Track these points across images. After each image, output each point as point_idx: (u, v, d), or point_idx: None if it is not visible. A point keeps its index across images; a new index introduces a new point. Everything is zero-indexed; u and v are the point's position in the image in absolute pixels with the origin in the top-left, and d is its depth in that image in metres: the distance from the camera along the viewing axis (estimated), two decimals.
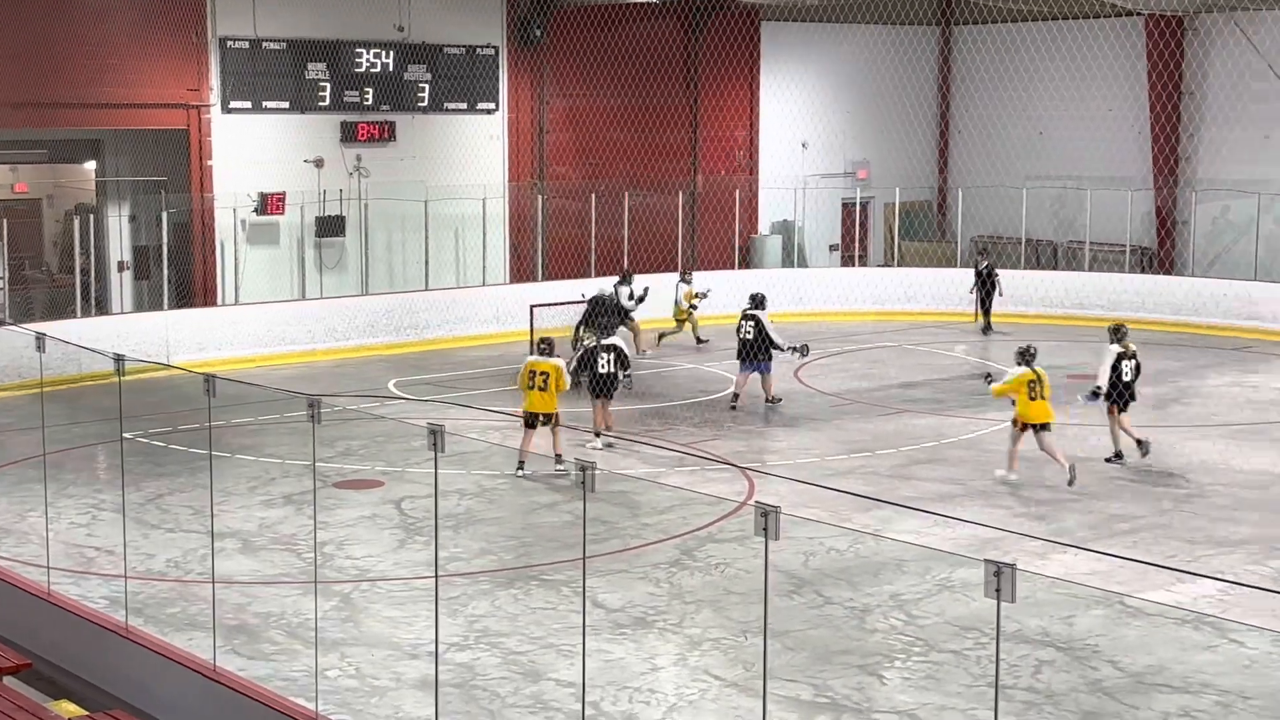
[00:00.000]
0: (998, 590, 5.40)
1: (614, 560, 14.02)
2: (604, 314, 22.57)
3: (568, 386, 17.65)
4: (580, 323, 23.26)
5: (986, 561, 5.64)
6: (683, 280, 26.54)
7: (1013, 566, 5.50)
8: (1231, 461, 17.94)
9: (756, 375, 20.93)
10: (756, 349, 20.73)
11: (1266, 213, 29.55)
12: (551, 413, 17.22)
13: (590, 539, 14.21)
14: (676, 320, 26.35)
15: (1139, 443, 17.54)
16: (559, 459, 17.20)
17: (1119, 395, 17.71)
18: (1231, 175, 30.47)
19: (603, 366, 18.76)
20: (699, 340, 26.26)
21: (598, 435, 18.68)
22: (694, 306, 26.24)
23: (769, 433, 19.88)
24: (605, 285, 24.61)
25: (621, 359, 18.94)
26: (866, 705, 10.67)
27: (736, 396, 21.08)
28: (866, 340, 27.61)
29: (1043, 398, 16.81)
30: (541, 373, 17.16)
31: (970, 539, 14.48)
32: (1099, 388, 17.78)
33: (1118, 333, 17.79)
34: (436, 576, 10.73)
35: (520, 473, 17.20)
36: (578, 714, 9.39)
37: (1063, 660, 11.55)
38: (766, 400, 20.94)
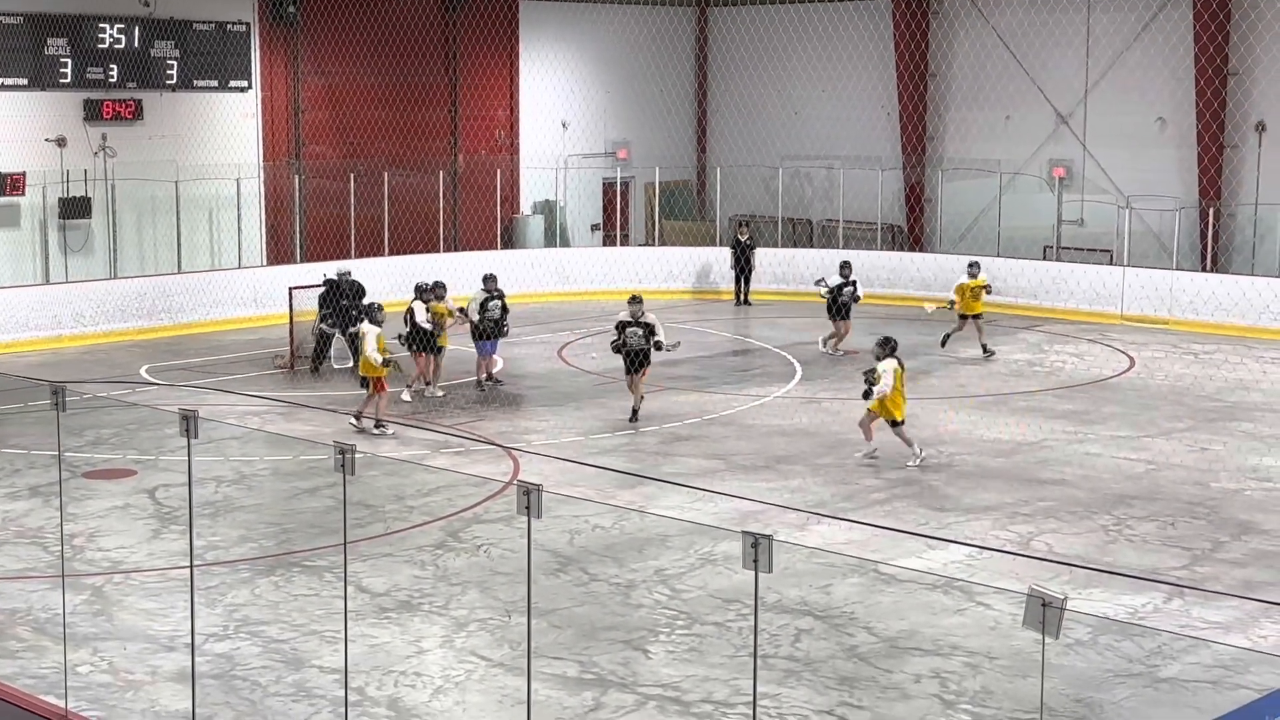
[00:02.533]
0: (755, 561, 5.51)
1: (378, 544, 13.87)
2: (342, 297, 22.17)
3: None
4: (320, 306, 22.69)
5: (744, 533, 5.75)
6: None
7: (770, 538, 5.62)
8: (977, 431, 18.64)
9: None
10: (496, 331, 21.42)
11: (1007, 191, 30.73)
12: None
13: (354, 523, 14.02)
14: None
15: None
16: (377, 424, 18.34)
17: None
18: (976, 154, 31.60)
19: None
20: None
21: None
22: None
23: (533, 412, 19.92)
24: (344, 266, 23.90)
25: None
26: (632, 680, 10.78)
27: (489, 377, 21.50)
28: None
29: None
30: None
31: (732, 513, 14.75)
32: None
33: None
34: (191, 566, 10.45)
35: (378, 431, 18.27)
36: (341, 701, 9.27)
37: (821, 628, 11.86)
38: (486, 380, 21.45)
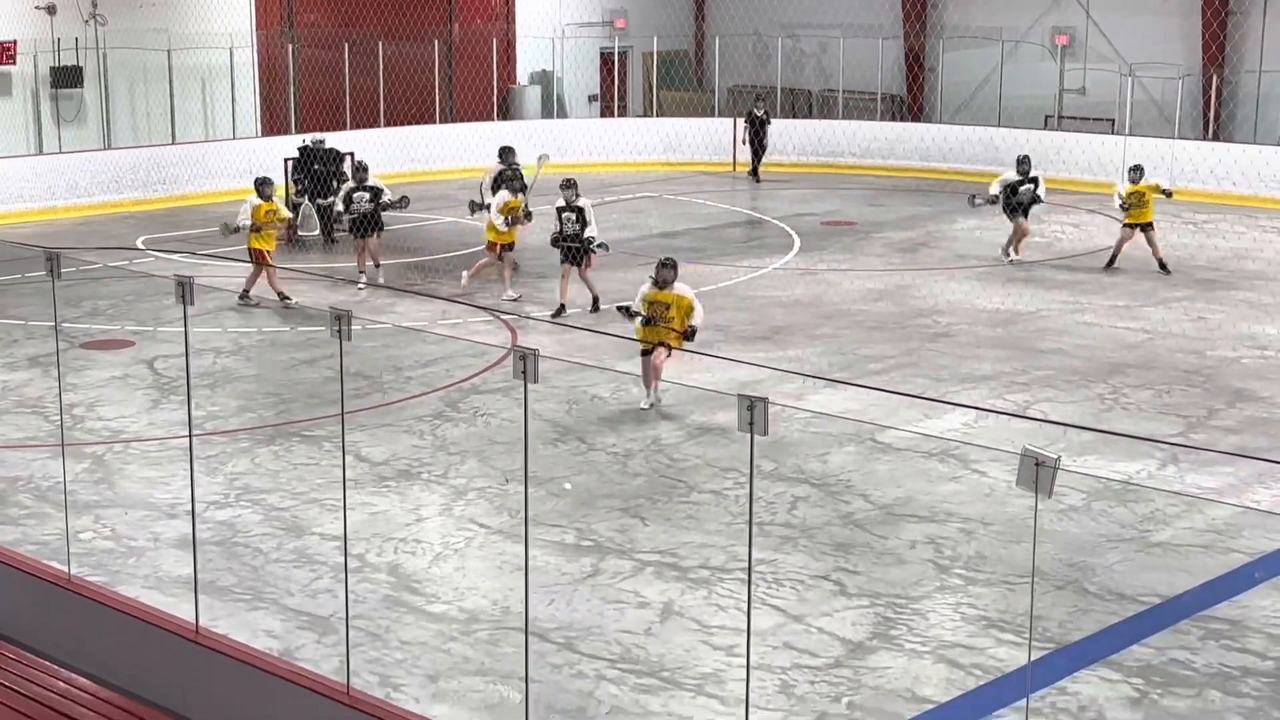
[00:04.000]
0: (750, 424, 5.52)
1: (377, 414, 13.92)
2: (316, 162, 21.92)
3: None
4: (295, 175, 22.49)
5: (740, 396, 5.76)
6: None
7: (765, 400, 5.63)
8: (975, 301, 18.63)
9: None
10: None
11: (1008, 59, 30.39)
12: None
13: (352, 394, 14.07)
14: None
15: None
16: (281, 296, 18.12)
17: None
18: (977, 22, 31.21)
19: (357, 205, 18.90)
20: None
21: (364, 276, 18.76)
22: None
23: (531, 284, 19.88)
24: (319, 135, 23.65)
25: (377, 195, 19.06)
26: (630, 547, 10.89)
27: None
28: (627, 190, 27.69)
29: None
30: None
31: (730, 381, 14.79)
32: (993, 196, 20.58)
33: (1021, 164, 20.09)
34: (190, 435, 10.49)
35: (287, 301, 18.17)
36: (342, 567, 9.36)
37: (817, 495, 11.95)
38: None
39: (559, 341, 16.47)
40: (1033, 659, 9.13)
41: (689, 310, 13.78)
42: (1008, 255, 20.82)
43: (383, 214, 19.31)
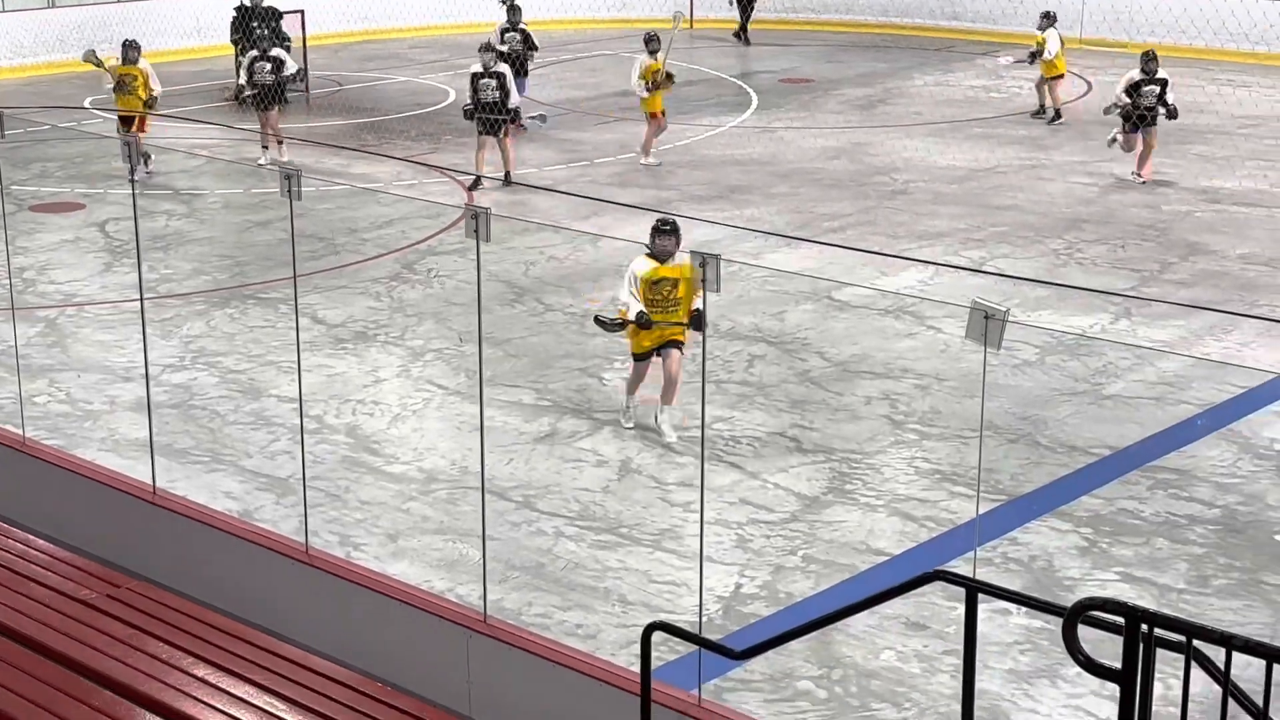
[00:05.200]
0: (703, 281, 5.51)
1: (333, 276, 13.84)
2: (255, 20, 21.38)
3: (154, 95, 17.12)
4: (233, 35, 21.91)
5: (692, 253, 5.74)
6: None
7: (717, 257, 5.62)
8: (932, 158, 18.58)
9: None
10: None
11: None
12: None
13: (308, 256, 13.97)
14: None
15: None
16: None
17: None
18: None
19: (259, 76, 18.06)
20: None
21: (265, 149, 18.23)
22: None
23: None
24: None
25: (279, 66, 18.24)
26: (587, 406, 10.93)
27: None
28: (582, 49, 27.33)
29: None
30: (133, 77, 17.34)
31: (688, 242, 14.71)
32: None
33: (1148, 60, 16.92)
34: (142, 298, 10.40)
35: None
36: (299, 429, 9.36)
37: (774, 354, 12.00)
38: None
39: (514, 202, 16.37)
40: (984, 511, 9.27)
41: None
42: (1138, 176, 17.18)
43: (286, 88, 18.78)
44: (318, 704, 5.94)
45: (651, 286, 10.16)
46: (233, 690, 6.04)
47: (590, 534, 8.99)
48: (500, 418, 10.59)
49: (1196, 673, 4.15)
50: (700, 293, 9.40)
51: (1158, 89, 16.74)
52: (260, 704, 5.94)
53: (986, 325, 5.18)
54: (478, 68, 16.89)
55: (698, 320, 9.86)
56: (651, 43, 18.16)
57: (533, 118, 17.02)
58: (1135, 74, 16.95)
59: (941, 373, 11.51)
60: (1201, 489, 9.57)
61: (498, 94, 16.70)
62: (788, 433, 10.48)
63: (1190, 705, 4.32)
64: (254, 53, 18.56)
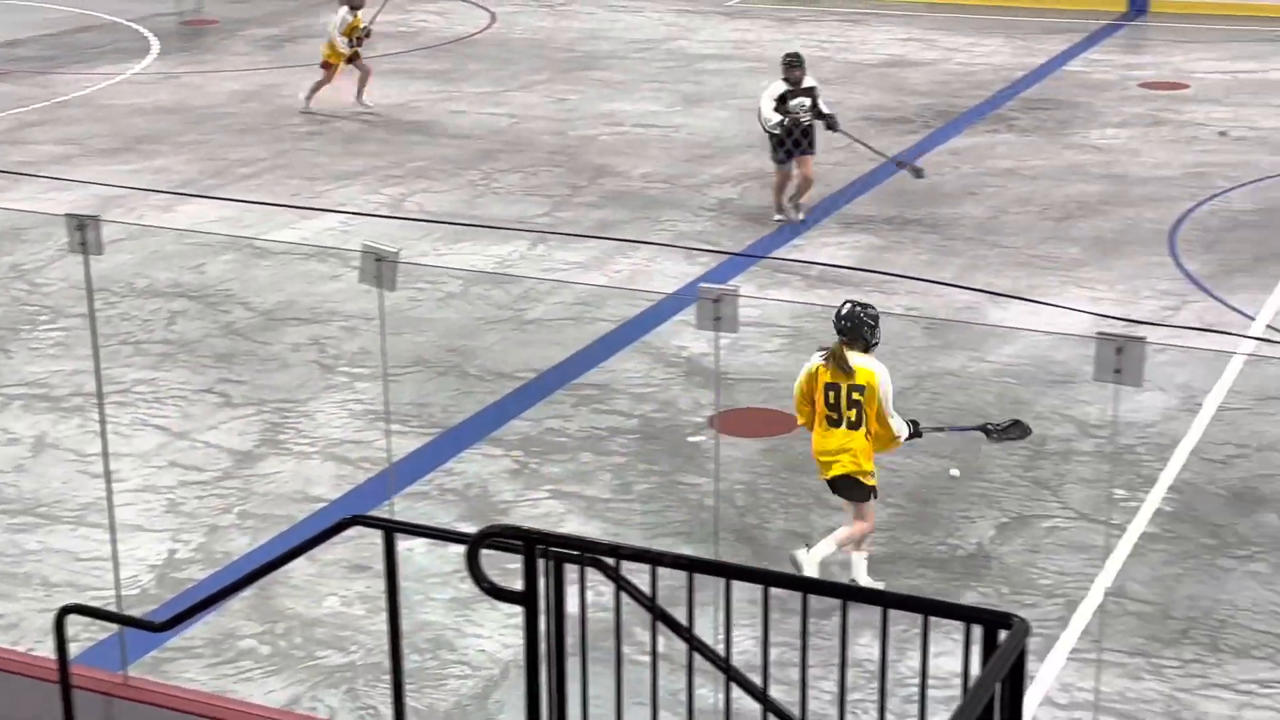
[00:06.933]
0: (83, 245, 5.22)
1: None
2: None
3: None
4: None
5: (68, 216, 5.43)
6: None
7: (95, 218, 5.34)
8: (341, 97, 18.39)
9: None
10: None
11: None
12: None
13: None
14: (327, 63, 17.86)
15: None
16: None
17: None
18: None
19: None
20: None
21: None
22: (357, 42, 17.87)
23: None
24: None
25: None
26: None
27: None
28: None
29: None
30: None
31: (91, 199, 14.02)
32: None
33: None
34: None
35: None
36: None
37: (195, 308, 11.64)
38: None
39: None
40: (418, 446, 9.38)
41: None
42: (793, 209, 13.60)
43: None
44: None
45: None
46: None
47: (5, 517, 8.44)
48: None
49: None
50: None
51: (808, 101, 13.23)
52: None
53: (379, 268, 5.18)
54: None
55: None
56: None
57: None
58: (778, 85, 13.23)
59: (368, 313, 11.51)
60: (620, 401, 10.06)
61: None
62: (215, 389, 10.21)
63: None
64: None
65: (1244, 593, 7.68)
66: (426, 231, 13.35)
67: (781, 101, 13.08)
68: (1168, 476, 8.87)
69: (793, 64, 13.19)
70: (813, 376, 7.63)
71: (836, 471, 7.60)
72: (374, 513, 7.01)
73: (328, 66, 17.67)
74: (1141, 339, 4.41)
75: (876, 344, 7.73)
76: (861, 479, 7.59)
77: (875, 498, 7.74)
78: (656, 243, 12.99)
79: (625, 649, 4.70)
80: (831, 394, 7.54)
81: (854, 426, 7.52)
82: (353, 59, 17.60)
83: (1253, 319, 11.18)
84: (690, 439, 9.49)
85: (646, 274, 12.38)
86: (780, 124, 13.08)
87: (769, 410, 9.84)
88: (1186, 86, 18.30)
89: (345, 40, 17.49)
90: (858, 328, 7.63)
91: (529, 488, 8.88)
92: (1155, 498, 8.64)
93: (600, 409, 9.93)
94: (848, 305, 7.76)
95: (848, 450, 7.54)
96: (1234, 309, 11.37)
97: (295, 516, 8.53)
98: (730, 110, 17.43)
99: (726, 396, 10.07)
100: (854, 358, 7.53)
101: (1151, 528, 8.34)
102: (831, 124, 13.29)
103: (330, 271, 12.43)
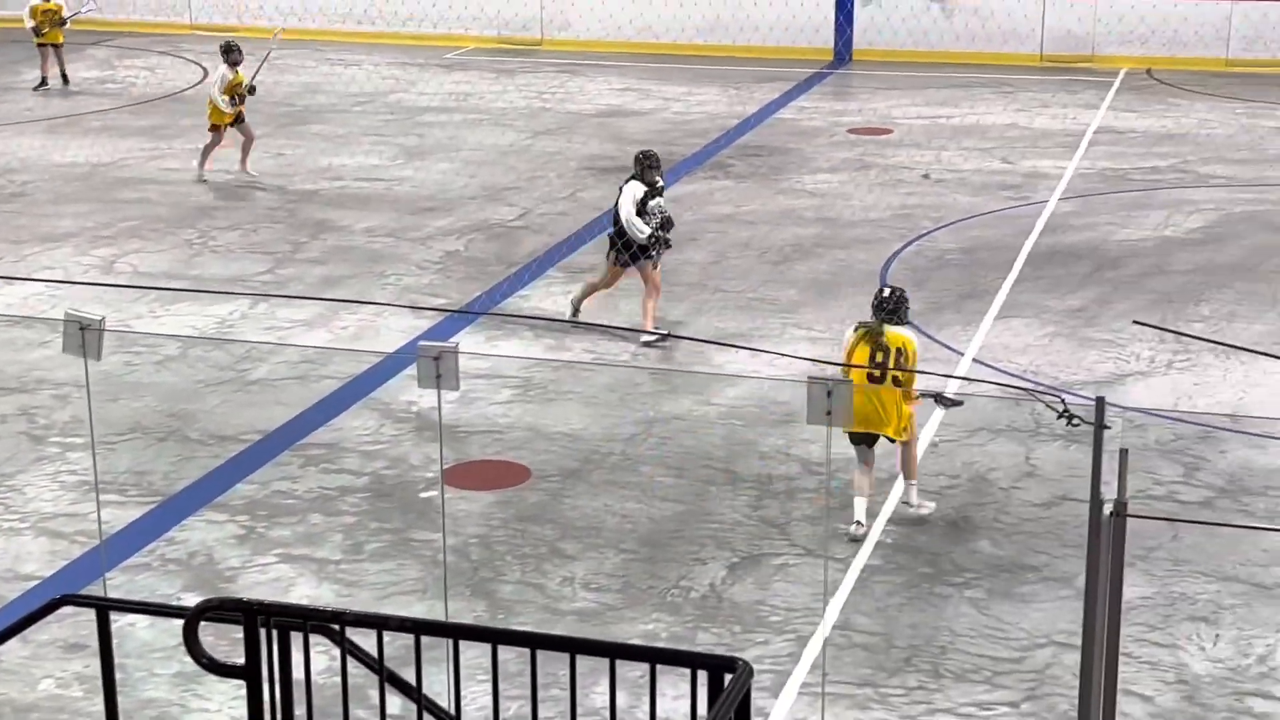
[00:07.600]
0: None
1: None
2: None
3: None
4: None
5: None
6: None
7: None
8: (49, 156, 17.79)
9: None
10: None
11: None
12: None
13: None
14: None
15: None
16: None
17: None
18: None
19: None
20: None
21: None
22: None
23: None
24: None
25: None
26: None
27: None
28: None
29: None
30: None
31: None
32: None
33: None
34: None
35: None
36: None
37: None
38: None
39: None
40: (139, 515, 9.06)
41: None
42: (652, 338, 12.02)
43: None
44: None
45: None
46: None
47: None
48: None
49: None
50: None
51: (662, 200, 12.12)
52: None
53: (84, 336, 5.00)
54: None
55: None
56: (232, 53, 16.57)
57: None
58: (635, 187, 12.00)
59: (80, 380, 11.06)
60: (350, 459, 9.91)
61: None
62: None
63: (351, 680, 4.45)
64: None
65: (961, 619, 7.99)
66: (140, 295, 12.94)
67: (642, 203, 11.97)
68: (888, 509, 9.18)
69: (651, 165, 12.04)
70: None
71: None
72: (88, 589, 6.75)
73: (215, 129, 16.84)
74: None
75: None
76: None
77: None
78: (379, 302, 12.87)
79: (361, 713, 4.62)
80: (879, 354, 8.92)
81: None
82: (237, 120, 16.80)
83: (961, 354, 11.69)
84: (422, 495, 9.41)
85: (373, 329, 12.25)
86: (653, 234, 11.90)
87: (501, 461, 9.83)
88: (890, 131, 19.09)
89: (227, 100, 16.63)
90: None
91: (256, 553, 8.66)
92: (876, 530, 8.93)
93: (329, 468, 9.76)
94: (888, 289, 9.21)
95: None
96: (942, 344, 11.86)
97: (6, 596, 8.13)
98: (454, 162, 17.44)
99: (458, 450, 10.02)
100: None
101: (874, 559, 8.62)
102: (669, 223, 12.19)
103: (38, 338, 11.93)
